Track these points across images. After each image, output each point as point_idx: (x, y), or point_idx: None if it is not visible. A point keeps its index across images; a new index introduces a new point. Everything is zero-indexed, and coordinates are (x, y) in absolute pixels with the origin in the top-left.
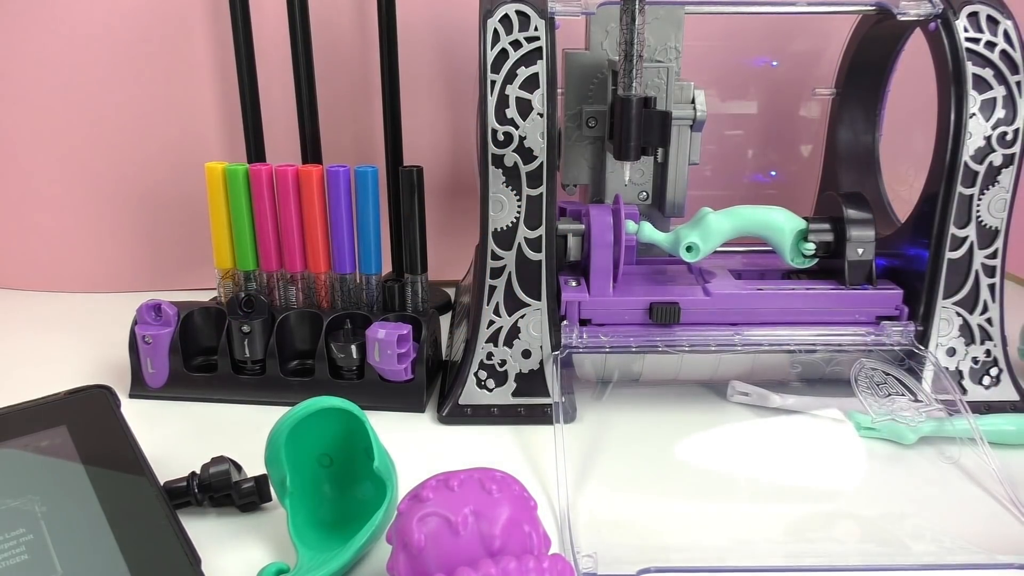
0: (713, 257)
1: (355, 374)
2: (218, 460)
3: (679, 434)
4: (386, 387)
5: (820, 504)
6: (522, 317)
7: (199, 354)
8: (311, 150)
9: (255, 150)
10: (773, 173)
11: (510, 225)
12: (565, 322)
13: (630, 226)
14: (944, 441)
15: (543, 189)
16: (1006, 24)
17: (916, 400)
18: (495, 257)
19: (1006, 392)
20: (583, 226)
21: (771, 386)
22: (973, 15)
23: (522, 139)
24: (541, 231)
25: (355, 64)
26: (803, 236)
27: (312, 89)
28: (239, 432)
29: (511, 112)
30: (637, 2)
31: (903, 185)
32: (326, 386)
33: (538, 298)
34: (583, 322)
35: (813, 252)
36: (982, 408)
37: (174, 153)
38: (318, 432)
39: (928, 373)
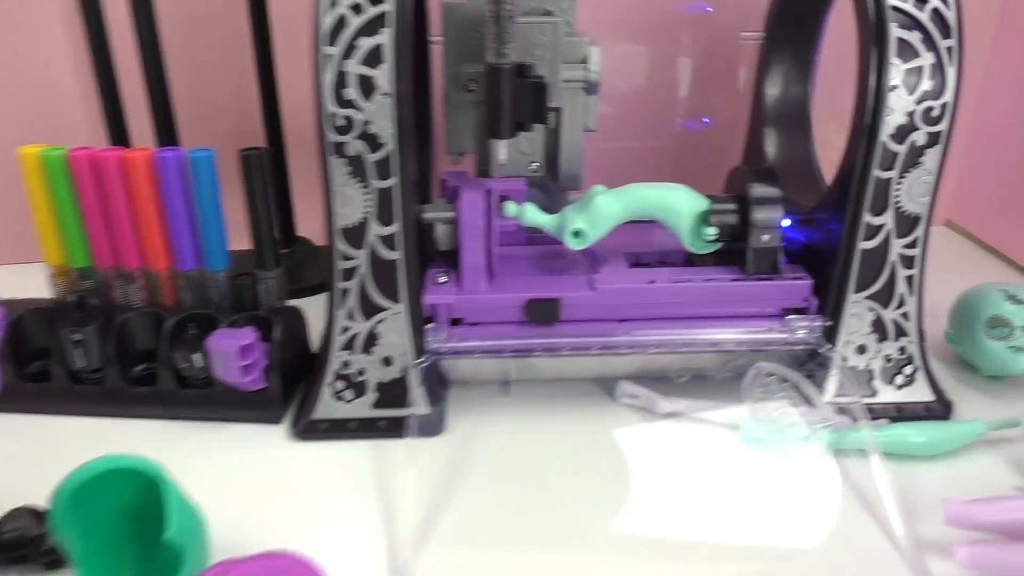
0: (612, 235)
1: (204, 382)
2: (15, 514)
3: (554, 452)
4: (238, 396)
5: (700, 535)
6: (380, 322)
7: (36, 358)
8: (164, 131)
9: (115, 132)
10: (705, 120)
11: (359, 221)
12: (430, 325)
13: (509, 209)
14: (840, 454)
15: (395, 180)
16: None
17: (813, 408)
18: (345, 257)
19: (920, 392)
20: (452, 214)
21: (663, 386)
22: None
23: (366, 124)
24: (396, 227)
25: (229, 30)
26: (705, 218)
27: (158, 58)
28: (77, 452)
29: (351, 92)
30: None
31: (832, 148)
32: (170, 398)
33: (397, 300)
34: (455, 321)
35: (715, 237)
36: (892, 411)
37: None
38: (118, 485)
39: (834, 374)
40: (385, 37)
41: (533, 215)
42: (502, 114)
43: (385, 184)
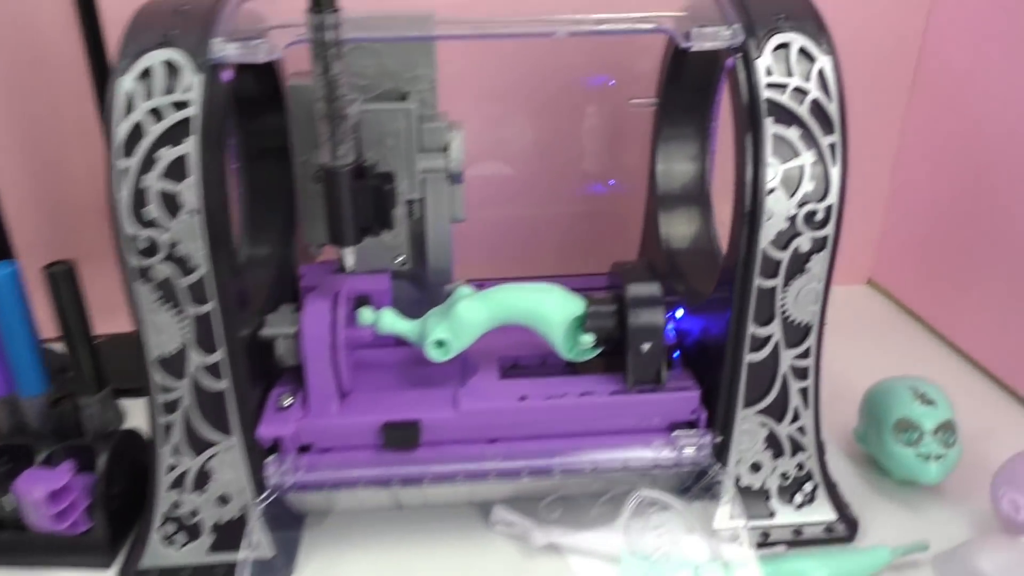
0: (490, 333)
1: (19, 524)
2: None
3: None
4: (60, 540)
5: None
6: (212, 457)
7: None
8: None
9: None
10: (612, 182)
11: (176, 351)
12: (271, 457)
13: (364, 317)
14: None
15: (213, 305)
16: (822, 61)
17: (700, 541)
18: (164, 389)
19: (821, 511)
20: (295, 328)
21: (540, 511)
22: (781, 48)
23: (173, 246)
24: (220, 354)
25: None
26: (582, 323)
27: None
28: None
29: (153, 211)
30: (330, 45)
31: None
32: None
33: (228, 433)
34: (306, 448)
35: (593, 343)
36: (790, 534)
37: None
38: None
39: (725, 497)
40: (190, 146)
41: (391, 322)
42: (343, 220)
43: (202, 310)
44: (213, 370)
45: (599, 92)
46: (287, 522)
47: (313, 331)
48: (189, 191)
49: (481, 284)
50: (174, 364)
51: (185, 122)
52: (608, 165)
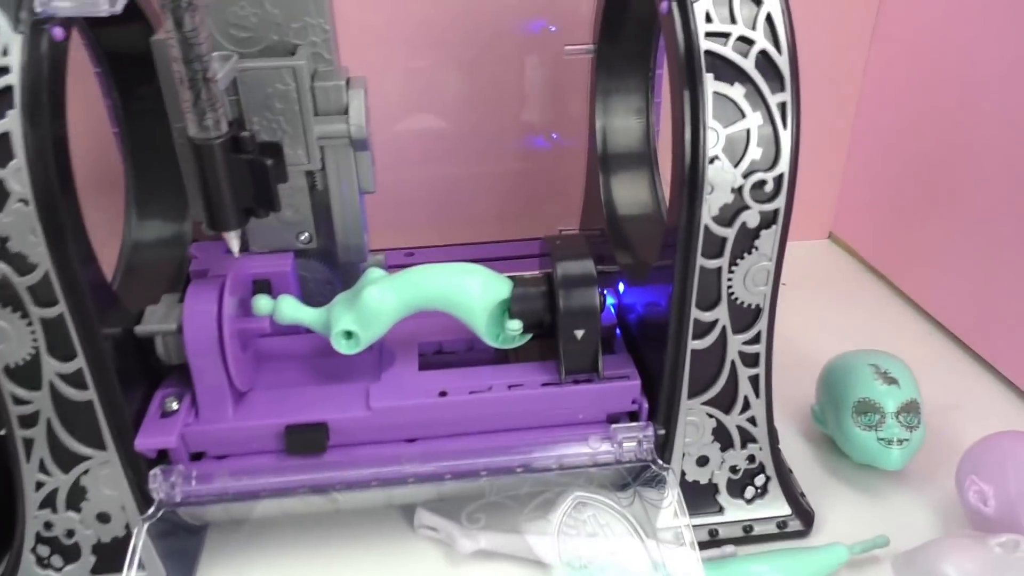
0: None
1: None
2: None
3: None
4: None
5: None
6: (84, 473)
7: None
8: None
9: None
10: (555, 136)
11: (28, 359)
12: (157, 469)
13: (261, 306)
14: None
15: (63, 307)
16: (770, 5)
17: (640, 546)
18: (18, 401)
19: (774, 506)
20: (174, 325)
21: (465, 517)
22: None
23: (4, 242)
24: (80, 362)
25: None
26: (508, 308)
27: None
28: None
29: None
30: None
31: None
32: None
33: (102, 447)
34: (197, 457)
35: (521, 330)
36: (739, 532)
37: None
38: None
39: (669, 494)
40: (11, 122)
41: (292, 311)
42: (219, 201)
43: (49, 313)
44: (74, 379)
45: (539, 40)
46: (182, 536)
47: (196, 325)
48: (14, 177)
49: (410, 254)
50: (27, 374)
51: (4, 93)
52: (551, 117)
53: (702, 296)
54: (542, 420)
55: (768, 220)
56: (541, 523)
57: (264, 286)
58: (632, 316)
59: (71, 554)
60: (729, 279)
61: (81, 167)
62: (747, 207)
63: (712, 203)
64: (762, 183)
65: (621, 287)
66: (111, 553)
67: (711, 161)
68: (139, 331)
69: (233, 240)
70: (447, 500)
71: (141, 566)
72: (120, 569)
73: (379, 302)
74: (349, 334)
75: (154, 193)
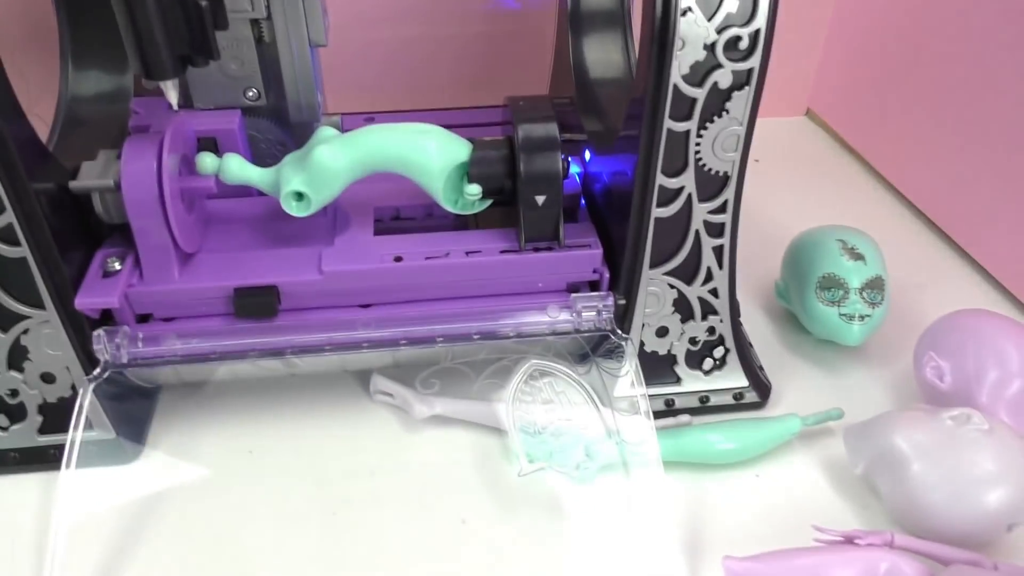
0: (370, 178)
1: None
2: None
3: (283, 482)
4: None
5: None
6: (24, 333)
7: None
8: None
9: None
10: None
11: None
12: (102, 330)
13: (205, 163)
14: (630, 468)
15: None
16: None
17: (597, 415)
18: None
19: (732, 377)
20: (111, 181)
21: (418, 384)
22: None
23: None
24: (8, 217)
25: None
26: (466, 171)
27: None
28: None
29: None
30: None
31: None
32: None
33: (41, 306)
34: (143, 318)
35: (480, 195)
36: (696, 402)
37: None
38: None
39: (626, 364)
40: None
41: (239, 170)
42: (152, 46)
43: None
44: (4, 234)
45: None
46: (134, 399)
47: (135, 181)
48: None
49: (370, 118)
50: None
51: None
52: None
53: (668, 161)
54: (501, 288)
55: (741, 81)
56: (497, 390)
57: (210, 145)
58: (598, 186)
59: (16, 414)
60: (697, 144)
61: (6, 16)
62: (719, 65)
63: (682, 60)
64: (737, 39)
65: (588, 156)
66: (58, 413)
67: (683, 13)
68: (74, 187)
69: (171, 91)
70: (403, 367)
71: (89, 426)
72: (67, 430)
73: (331, 161)
74: (300, 195)
75: (91, 42)
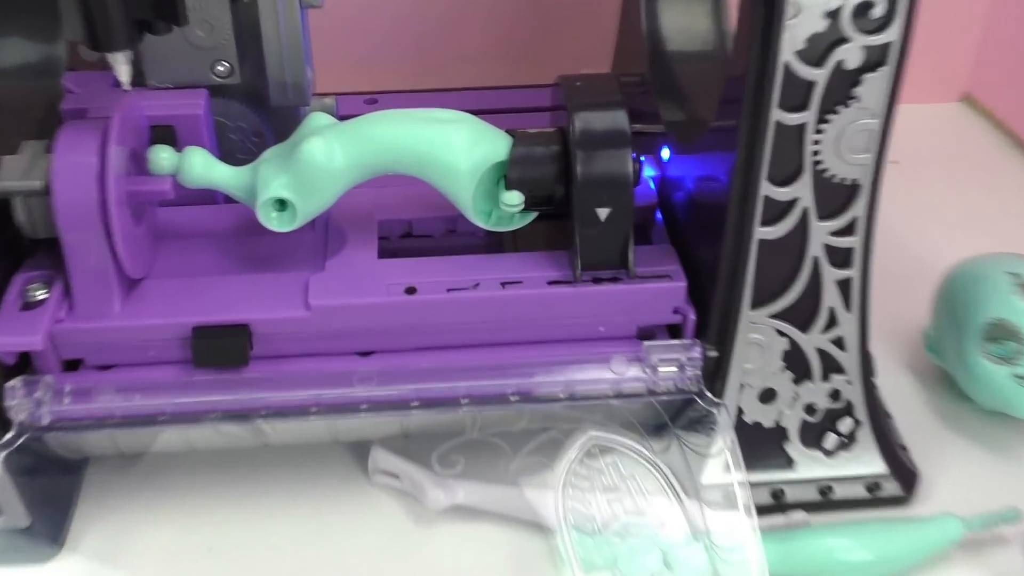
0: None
1: None
2: None
3: None
4: None
5: None
6: None
7: None
8: None
9: None
10: None
11: None
12: (16, 382)
13: (159, 160)
14: None
15: None
16: None
17: (679, 507)
18: None
19: (864, 461)
20: (39, 183)
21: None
22: None
23: None
24: None
25: None
26: (503, 175)
27: None
28: None
29: None
30: None
31: None
32: None
33: None
34: (72, 365)
35: (522, 205)
36: (815, 493)
37: None
38: None
39: (720, 439)
40: None
41: (204, 169)
42: (100, 8)
43: None
44: None
45: None
46: (53, 473)
47: (70, 183)
48: None
49: (373, 100)
50: None
51: None
52: None
53: (777, 165)
54: (548, 333)
55: (875, 59)
56: (541, 472)
57: (166, 134)
58: (679, 195)
59: None
60: (816, 142)
61: None
62: (846, 39)
63: (796, 32)
64: (868, 5)
65: (666, 153)
66: None
67: None
68: None
69: (122, 65)
70: (414, 438)
71: None
72: None
73: (324, 159)
74: (282, 203)
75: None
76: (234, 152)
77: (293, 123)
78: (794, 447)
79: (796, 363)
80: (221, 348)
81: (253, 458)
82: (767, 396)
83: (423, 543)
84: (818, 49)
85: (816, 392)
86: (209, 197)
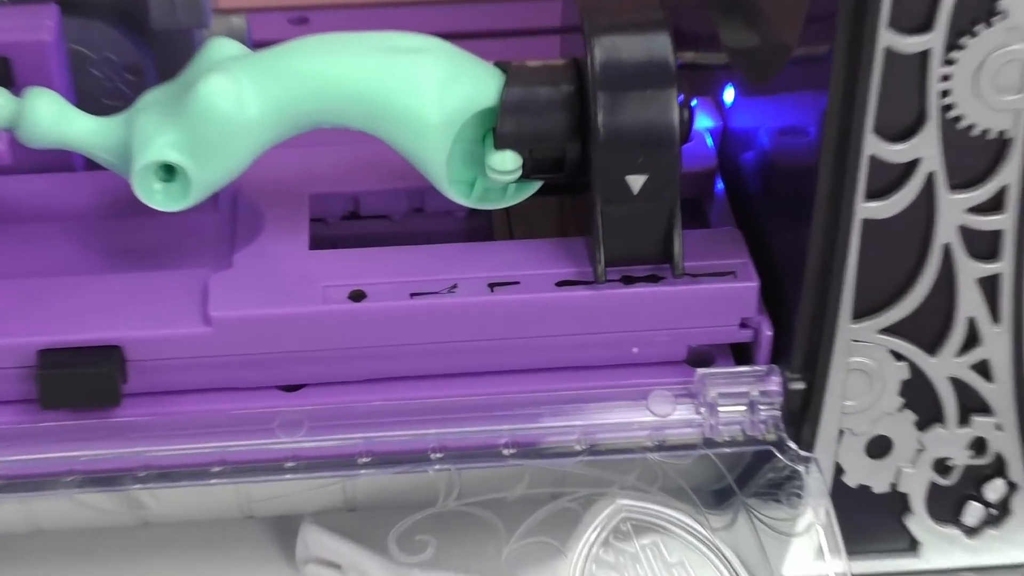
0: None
1: None
2: None
3: None
4: None
5: None
6: None
7: None
8: None
9: None
10: None
11: None
12: None
13: None
14: None
15: None
16: None
17: None
18: None
19: (1019, 545)
20: None
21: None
22: None
23: None
24: None
25: None
26: (491, 129)
27: None
28: None
29: None
30: None
31: None
32: None
33: None
34: None
35: (518, 172)
36: None
37: None
38: None
39: (810, 509)
40: None
41: (54, 122)
42: None
43: None
44: None
45: None
46: None
47: None
48: None
49: (303, 20)
50: None
51: None
52: None
53: (889, 112)
54: (557, 356)
55: None
56: (549, 559)
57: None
58: (749, 156)
59: None
60: (945, 78)
61: None
62: None
63: None
64: None
65: (730, 96)
66: None
67: None
68: None
69: None
70: (362, 509)
71: None
72: None
73: (231, 106)
74: (169, 170)
75: None
76: (99, 96)
77: (184, 53)
78: (919, 522)
79: (920, 399)
80: (80, 381)
81: (128, 542)
82: (879, 448)
83: None
84: None
85: (951, 441)
86: (63, 162)
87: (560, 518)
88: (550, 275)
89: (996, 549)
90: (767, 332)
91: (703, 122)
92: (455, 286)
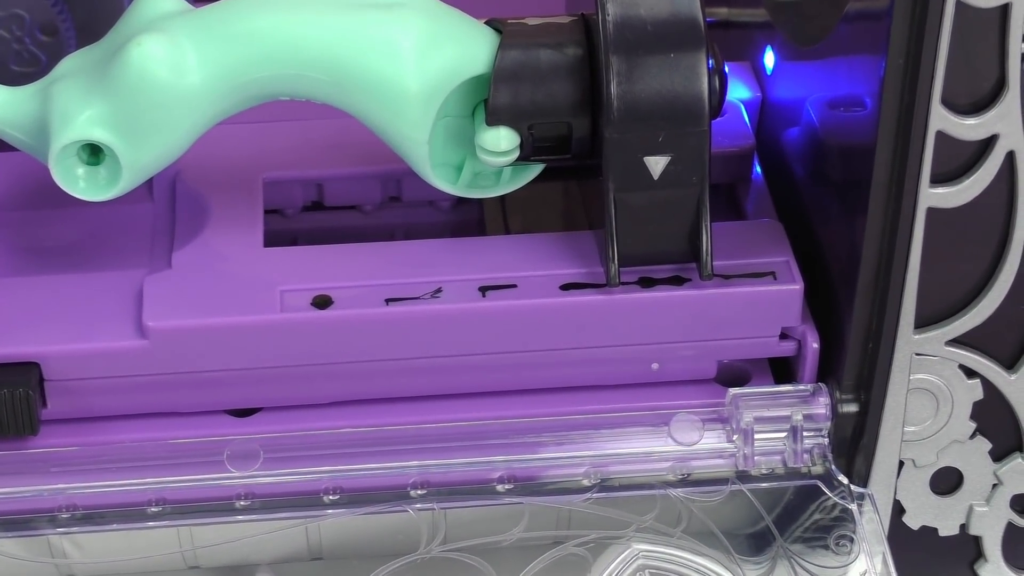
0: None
1: None
2: None
3: None
4: None
5: None
6: None
7: None
8: None
9: None
10: None
11: None
12: None
13: None
14: None
15: None
16: None
17: None
18: None
19: None
20: None
21: None
22: None
23: None
24: None
25: None
26: (482, 101)
27: None
28: None
29: None
30: None
31: None
32: None
33: None
34: None
35: (515, 153)
36: None
37: None
38: None
39: (864, 564)
40: None
41: None
42: None
43: None
44: None
45: None
46: None
47: None
48: None
49: None
50: None
51: None
52: None
53: (960, 79)
54: (562, 373)
55: None
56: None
57: None
58: (793, 133)
59: None
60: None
61: None
62: None
63: None
64: None
65: (770, 61)
66: None
67: None
68: None
69: None
70: (329, 557)
71: None
72: None
73: (168, 73)
74: (95, 151)
75: None
76: (6, 61)
77: (110, 10)
78: (994, 571)
79: (996, 424)
80: None
81: None
82: (947, 482)
83: None
84: None
85: None
86: None
87: (565, 567)
88: (553, 276)
89: None
90: (813, 344)
91: (738, 92)
92: (439, 290)
